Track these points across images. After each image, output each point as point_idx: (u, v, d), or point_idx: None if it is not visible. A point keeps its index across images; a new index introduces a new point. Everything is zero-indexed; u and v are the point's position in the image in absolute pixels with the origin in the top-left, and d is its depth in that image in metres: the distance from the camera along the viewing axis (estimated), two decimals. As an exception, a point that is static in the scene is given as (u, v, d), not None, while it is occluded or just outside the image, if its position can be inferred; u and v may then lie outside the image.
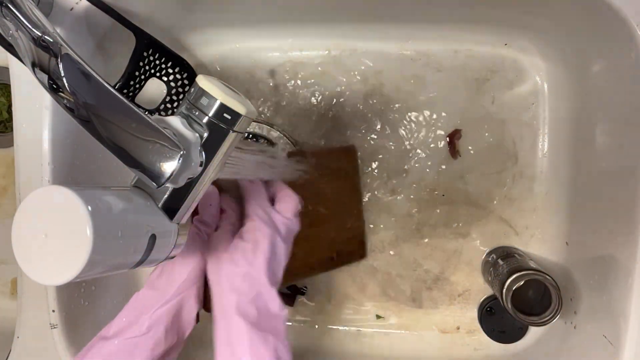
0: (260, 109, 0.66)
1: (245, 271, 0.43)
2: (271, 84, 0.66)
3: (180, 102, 0.59)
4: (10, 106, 0.70)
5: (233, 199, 0.49)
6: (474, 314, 0.66)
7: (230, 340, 0.42)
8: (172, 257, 0.40)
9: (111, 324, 0.44)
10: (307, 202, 0.56)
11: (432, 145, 0.65)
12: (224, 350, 0.43)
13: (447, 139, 0.64)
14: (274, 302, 0.44)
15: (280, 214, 0.47)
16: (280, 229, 0.46)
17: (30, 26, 0.34)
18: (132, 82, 0.56)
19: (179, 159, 0.33)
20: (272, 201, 0.49)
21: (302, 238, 0.55)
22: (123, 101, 0.33)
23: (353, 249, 0.64)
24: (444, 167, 0.65)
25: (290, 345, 0.44)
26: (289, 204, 0.48)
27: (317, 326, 0.67)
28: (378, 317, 0.67)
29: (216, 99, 0.36)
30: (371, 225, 0.66)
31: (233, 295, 0.43)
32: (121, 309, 0.45)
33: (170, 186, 0.36)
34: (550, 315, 0.54)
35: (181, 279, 0.44)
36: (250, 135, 0.65)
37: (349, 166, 0.64)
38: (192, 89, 0.37)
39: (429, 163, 0.65)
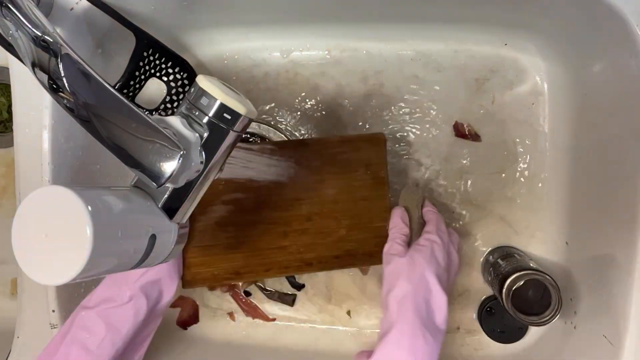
0: (260, 110, 0.66)
1: (423, 269, 0.49)
2: (271, 84, 0.66)
3: (180, 102, 0.59)
4: (10, 106, 0.70)
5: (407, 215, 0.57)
6: (474, 314, 0.66)
7: (398, 326, 0.45)
8: (173, 257, 0.40)
9: (92, 295, 0.48)
10: (304, 196, 0.55)
11: (432, 145, 0.65)
12: (391, 335, 0.45)
13: (455, 131, 0.64)
14: (439, 311, 0.48)
15: (444, 233, 0.55)
16: (450, 250, 0.54)
17: (30, 26, 0.34)
18: (132, 82, 0.56)
19: (179, 159, 0.33)
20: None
21: (298, 231, 0.55)
22: (123, 101, 0.33)
23: (370, 251, 0.57)
24: (444, 166, 0.65)
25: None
26: (455, 238, 0.58)
27: (317, 326, 0.67)
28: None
29: (216, 99, 0.36)
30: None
31: (408, 286, 0.48)
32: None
33: (170, 186, 0.37)
34: (550, 315, 0.54)
35: None
36: (250, 136, 0.65)
37: (373, 157, 0.57)
38: (192, 89, 0.37)
39: (429, 163, 0.65)
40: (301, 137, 0.65)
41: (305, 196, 0.56)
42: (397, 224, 0.56)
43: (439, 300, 0.47)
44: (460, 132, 0.64)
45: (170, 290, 0.50)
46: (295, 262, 0.56)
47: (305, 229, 0.56)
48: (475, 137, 0.64)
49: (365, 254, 0.57)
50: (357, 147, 0.57)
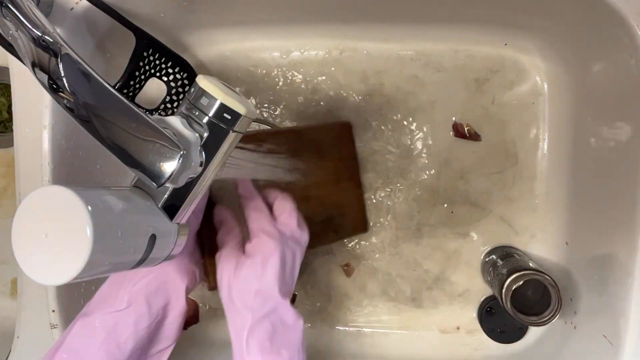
0: (260, 109, 0.66)
1: (257, 288, 0.43)
2: (271, 84, 0.66)
3: (180, 102, 0.59)
4: (10, 106, 0.70)
5: (233, 214, 0.49)
6: (474, 314, 0.66)
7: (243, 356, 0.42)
8: (172, 257, 0.40)
9: (91, 301, 0.44)
10: (291, 184, 0.56)
11: (432, 145, 0.65)
12: None
13: (453, 131, 0.64)
14: (288, 314, 0.44)
15: (284, 226, 0.48)
16: (287, 240, 0.47)
17: (30, 26, 0.34)
18: (132, 82, 0.56)
19: (179, 159, 0.33)
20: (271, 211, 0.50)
21: None
22: (123, 101, 0.33)
23: (351, 222, 0.63)
24: (444, 166, 0.65)
25: (305, 351, 0.44)
26: (290, 215, 0.49)
27: (317, 326, 0.67)
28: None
29: (216, 99, 0.36)
30: (371, 224, 0.66)
31: (247, 314, 0.43)
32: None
33: (170, 186, 0.36)
34: (550, 315, 0.54)
35: None
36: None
37: (342, 141, 0.63)
38: (192, 89, 0.37)
39: (429, 163, 0.65)
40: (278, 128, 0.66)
41: (292, 183, 0.57)
42: (224, 219, 0.49)
43: (284, 308, 0.44)
44: (459, 132, 0.64)
45: (179, 295, 0.45)
46: None
47: (302, 209, 0.56)
48: (475, 136, 0.64)
49: (346, 225, 0.63)
50: (327, 132, 0.62)
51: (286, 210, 0.49)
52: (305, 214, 0.55)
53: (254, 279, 0.43)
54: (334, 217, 0.61)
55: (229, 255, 0.45)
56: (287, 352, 0.42)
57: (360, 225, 0.65)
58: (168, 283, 0.45)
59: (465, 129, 0.63)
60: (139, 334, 0.43)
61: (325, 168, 0.61)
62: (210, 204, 0.49)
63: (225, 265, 0.45)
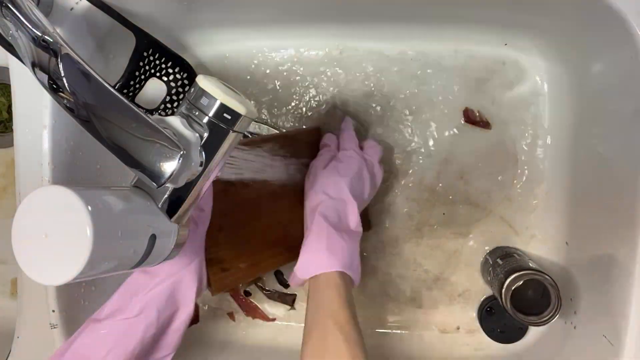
0: (260, 110, 0.66)
1: (336, 179, 0.53)
2: (271, 84, 0.66)
3: (180, 102, 0.59)
4: (10, 106, 0.70)
5: (332, 137, 0.61)
6: (474, 314, 0.66)
7: (313, 231, 0.50)
8: (172, 257, 0.40)
9: (103, 307, 0.44)
10: (289, 186, 0.58)
11: (432, 145, 0.65)
12: (309, 240, 0.50)
13: (464, 117, 0.64)
14: (352, 215, 0.52)
15: (369, 156, 0.58)
16: (367, 162, 0.57)
17: (30, 26, 0.34)
18: (132, 82, 0.56)
19: (179, 159, 0.33)
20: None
21: (289, 216, 0.57)
22: (123, 101, 0.33)
23: None
24: (444, 166, 0.65)
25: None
26: (375, 151, 0.59)
27: (317, 326, 0.67)
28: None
29: (216, 99, 0.36)
30: (371, 223, 0.66)
31: (322, 196, 0.52)
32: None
33: (170, 186, 0.36)
34: (550, 315, 0.54)
35: (173, 261, 0.43)
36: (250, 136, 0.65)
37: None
38: (192, 89, 0.37)
39: (429, 163, 0.65)
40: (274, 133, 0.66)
41: (290, 185, 0.58)
42: (329, 143, 0.60)
43: (351, 207, 0.52)
44: (470, 118, 0.64)
45: (188, 304, 0.46)
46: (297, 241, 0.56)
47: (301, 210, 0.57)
48: (485, 124, 0.63)
49: None
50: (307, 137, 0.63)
51: (373, 148, 0.59)
52: (303, 216, 0.55)
53: (335, 175, 0.54)
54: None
55: (321, 159, 0.57)
56: (348, 239, 0.50)
57: (364, 224, 0.65)
58: (179, 290, 0.45)
59: (477, 115, 0.63)
60: (146, 341, 0.43)
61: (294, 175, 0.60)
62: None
63: (316, 163, 0.57)
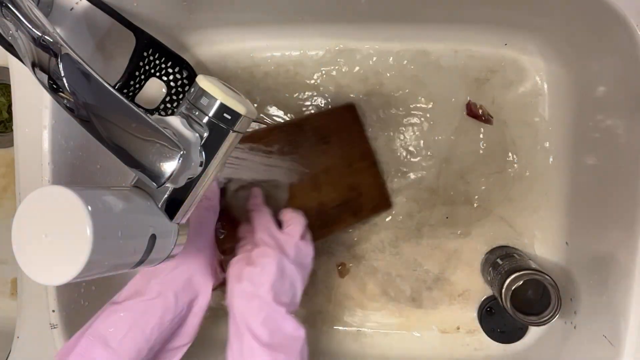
0: (260, 110, 0.66)
1: (253, 294, 0.45)
2: (271, 84, 0.66)
3: (180, 102, 0.59)
4: (10, 106, 0.70)
5: (249, 227, 0.52)
6: (474, 314, 0.66)
7: (243, 357, 0.44)
8: (173, 257, 0.40)
9: (122, 290, 0.45)
10: (305, 172, 0.57)
11: (432, 145, 0.65)
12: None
13: (467, 110, 0.64)
14: (285, 322, 0.46)
15: (288, 237, 0.50)
16: (288, 252, 0.49)
17: (30, 26, 0.34)
18: (132, 82, 0.56)
19: (179, 159, 0.33)
20: (280, 225, 0.53)
21: (308, 202, 0.56)
22: (123, 101, 0.33)
23: (370, 201, 0.63)
24: (444, 167, 0.65)
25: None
26: (295, 227, 0.52)
27: (317, 326, 0.67)
28: None
29: (216, 99, 0.36)
30: (372, 224, 0.66)
31: (245, 316, 0.45)
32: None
33: (170, 186, 0.36)
34: (550, 315, 0.54)
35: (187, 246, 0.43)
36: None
37: (346, 123, 0.63)
38: (192, 89, 0.37)
39: (429, 163, 0.65)
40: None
41: (306, 171, 0.58)
42: (243, 235, 0.53)
43: (282, 322, 0.46)
44: (472, 112, 0.63)
45: (205, 292, 0.47)
46: (315, 227, 0.57)
47: (313, 198, 0.57)
48: (487, 119, 0.63)
49: (370, 205, 0.63)
50: (333, 118, 0.61)
51: (293, 222, 0.52)
52: (317, 202, 0.55)
53: (251, 286, 0.45)
54: (351, 200, 0.61)
55: (237, 263, 0.48)
56: (285, 358, 0.43)
57: (382, 203, 0.64)
58: (194, 279, 0.46)
59: (479, 109, 0.63)
60: (164, 325, 0.44)
61: (331, 153, 0.60)
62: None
63: (232, 275, 0.48)
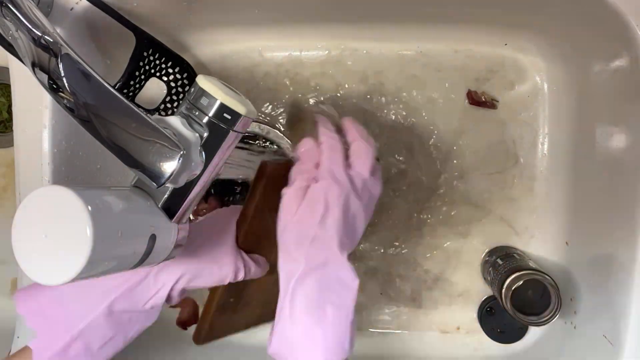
0: (260, 110, 0.66)
1: (314, 235, 0.40)
2: (271, 84, 0.66)
3: (180, 102, 0.59)
4: (10, 106, 0.70)
5: (314, 150, 0.44)
6: (474, 314, 0.66)
7: (287, 317, 0.40)
8: (173, 257, 0.40)
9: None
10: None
11: (432, 145, 0.65)
12: (284, 326, 0.40)
13: (469, 99, 0.63)
14: (343, 270, 0.41)
15: (355, 172, 0.43)
16: (356, 189, 0.42)
17: (30, 26, 0.34)
18: (132, 82, 0.56)
19: (179, 159, 0.33)
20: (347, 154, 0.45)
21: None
22: (123, 101, 0.33)
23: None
24: (444, 166, 0.65)
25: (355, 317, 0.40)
26: (364, 160, 0.44)
27: (317, 326, 0.67)
28: None
29: (216, 99, 0.36)
30: (372, 224, 0.66)
31: (300, 260, 0.40)
32: None
33: (170, 186, 0.36)
34: (550, 315, 0.55)
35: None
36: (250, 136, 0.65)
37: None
38: (192, 89, 0.37)
39: (429, 162, 0.65)
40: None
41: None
42: (305, 159, 0.45)
43: (340, 269, 0.41)
44: (474, 100, 0.62)
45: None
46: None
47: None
48: (491, 104, 0.61)
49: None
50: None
51: (362, 155, 0.44)
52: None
53: (313, 225, 0.40)
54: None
55: (294, 195, 0.42)
56: (333, 311, 0.39)
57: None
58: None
59: (481, 95, 0.61)
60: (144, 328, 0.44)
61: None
62: None
63: (287, 206, 0.42)
